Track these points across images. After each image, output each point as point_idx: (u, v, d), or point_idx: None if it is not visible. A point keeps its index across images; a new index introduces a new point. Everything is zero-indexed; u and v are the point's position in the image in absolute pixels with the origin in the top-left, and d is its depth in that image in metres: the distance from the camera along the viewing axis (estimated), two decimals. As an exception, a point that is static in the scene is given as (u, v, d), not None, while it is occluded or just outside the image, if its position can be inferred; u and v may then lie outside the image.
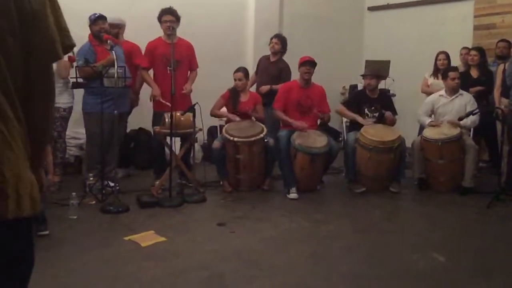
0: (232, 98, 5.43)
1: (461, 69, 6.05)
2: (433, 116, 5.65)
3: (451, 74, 5.54)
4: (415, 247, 3.65)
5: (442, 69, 6.20)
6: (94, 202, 4.53)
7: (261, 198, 5.01)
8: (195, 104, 4.78)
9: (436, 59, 6.39)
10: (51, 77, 1.42)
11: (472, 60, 6.19)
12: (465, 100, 5.49)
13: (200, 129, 4.99)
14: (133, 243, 3.61)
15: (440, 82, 6.08)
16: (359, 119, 5.43)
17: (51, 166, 3.75)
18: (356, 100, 5.74)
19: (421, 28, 7.76)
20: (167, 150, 5.10)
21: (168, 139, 4.95)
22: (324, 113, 5.48)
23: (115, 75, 4.42)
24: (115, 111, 4.61)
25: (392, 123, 5.47)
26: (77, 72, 4.68)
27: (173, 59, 4.82)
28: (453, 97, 5.53)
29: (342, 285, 3.02)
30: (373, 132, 5.22)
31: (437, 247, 3.62)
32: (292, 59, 5.84)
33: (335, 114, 5.98)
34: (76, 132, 5.64)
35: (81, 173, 5.40)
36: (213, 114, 5.47)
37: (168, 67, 5.03)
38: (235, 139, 5.03)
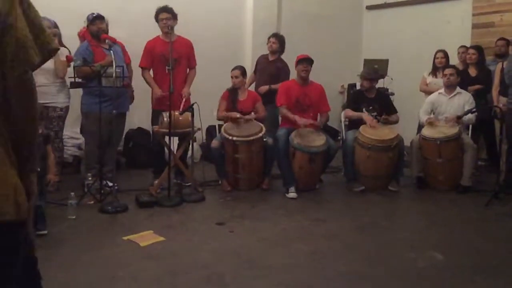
0: (230, 97, 5.42)
1: (459, 67, 6.05)
2: (432, 114, 5.65)
3: (446, 70, 5.60)
4: (413, 246, 3.65)
5: (440, 67, 6.21)
6: (92, 202, 4.53)
7: (260, 197, 5.01)
8: (193, 104, 4.78)
9: (434, 58, 6.40)
10: (28, 84, 1.35)
11: (470, 58, 6.19)
12: (464, 99, 5.50)
13: (199, 129, 4.99)
14: (132, 243, 3.60)
15: (438, 80, 6.10)
16: (365, 117, 5.41)
17: (52, 165, 3.75)
18: (355, 100, 5.75)
19: (420, 27, 7.76)
20: (166, 150, 5.10)
21: (166, 138, 4.95)
22: (323, 112, 5.49)
23: (114, 75, 4.42)
24: (114, 111, 4.60)
25: (394, 122, 5.50)
26: (75, 72, 4.67)
27: (171, 58, 4.81)
28: (452, 95, 5.54)
29: (341, 283, 3.02)
30: (371, 131, 5.23)
31: (435, 246, 3.63)
32: (290, 58, 5.83)
33: (334, 114, 5.98)
34: (74, 132, 5.64)
35: (80, 173, 5.40)
36: (220, 118, 5.47)
37: (166, 67, 5.02)
38: (234, 138, 5.02)
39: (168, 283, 2.96)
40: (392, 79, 7.18)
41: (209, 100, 5.31)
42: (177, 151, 5.12)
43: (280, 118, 5.70)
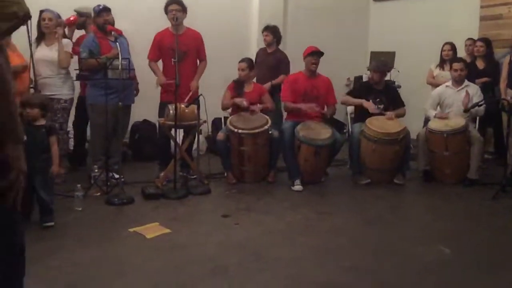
0: (236, 88, 5.41)
1: (467, 60, 6.00)
2: (438, 108, 5.62)
3: (455, 65, 5.53)
4: (420, 239, 3.64)
5: (447, 59, 6.16)
6: (99, 193, 4.54)
7: (266, 190, 5.01)
8: (199, 96, 4.78)
9: (441, 50, 6.34)
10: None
11: (478, 51, 6.15)
12: (472, 92, 5.45)
13: (205, 121, 4.99)
14: (137, 235, 3.61)
15: (445, 73, 6.06)
16: (365, 103, 5.39)
17: (56, 157, 3.76)
18: (361, 90, 5.71)
19: (427, 19, 7.68)
20: (172, 142, 5.10)
21: (172, 131, 4.95)
22: (330, 104, 5.47)
23: (120, 67, 4.42)
24: (120, 103, 4.59)
25: (401, 115, 5.47)
26: (81, 64, 4.67)
27: (177, 50, 4.80)
28: (460, 88, 5.50)
29: (346, 277, 3.01)
30: (378, 124, 5.20)
31: (442, 239, 3.61)
32: (296, 50, 5.80)
33: (340, 106, 5.95)
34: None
35: (86, 165, 5.42)
36: (224, 107, 5.46)
37: (172, 59, 5.01)
38: (240, 131, 5.02)
39: (174, 275, 2.96)
40: (399, 71, 7.13)
41: (215, 92, 5.30)
42: (182, 143, 5.12)
43: (284, 112, 5.69)
